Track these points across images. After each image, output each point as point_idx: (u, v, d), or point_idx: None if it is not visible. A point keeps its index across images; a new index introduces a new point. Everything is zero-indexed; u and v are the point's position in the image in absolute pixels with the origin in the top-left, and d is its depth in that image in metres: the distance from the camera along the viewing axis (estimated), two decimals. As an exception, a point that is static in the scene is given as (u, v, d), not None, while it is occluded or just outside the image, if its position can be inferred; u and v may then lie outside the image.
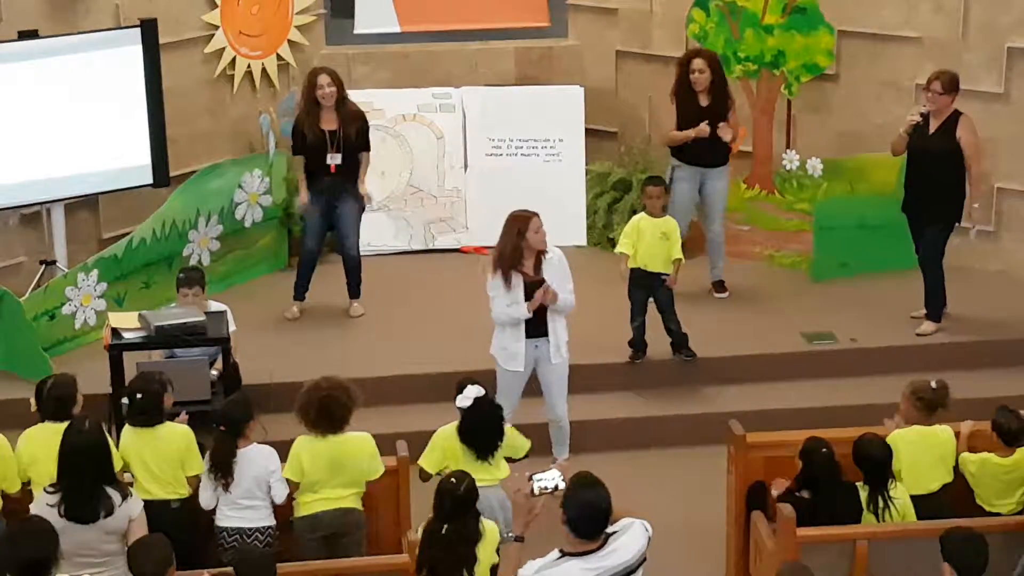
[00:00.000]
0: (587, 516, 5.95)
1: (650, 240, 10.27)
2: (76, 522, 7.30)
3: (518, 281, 9.16)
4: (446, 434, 8.29)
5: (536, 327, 9.26)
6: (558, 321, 9.29)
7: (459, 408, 8.25)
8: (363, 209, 11.23)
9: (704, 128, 11.06)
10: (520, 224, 9.14)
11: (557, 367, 9.37)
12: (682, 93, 11.19)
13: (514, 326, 9.23)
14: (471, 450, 8.19)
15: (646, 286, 10.35)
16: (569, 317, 9.40)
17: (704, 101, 11.15)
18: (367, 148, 11.13)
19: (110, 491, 7.39)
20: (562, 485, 6.23)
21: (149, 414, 7.96)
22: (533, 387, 9.47)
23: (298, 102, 11.33)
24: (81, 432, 7.48)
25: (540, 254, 9.19)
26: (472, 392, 8.21)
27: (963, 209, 10.63)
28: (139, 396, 7.97)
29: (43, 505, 7.38)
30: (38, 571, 6.54)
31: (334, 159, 10.96)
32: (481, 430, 8.20)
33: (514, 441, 8.46)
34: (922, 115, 10.50)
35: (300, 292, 11.33)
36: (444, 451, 8.27)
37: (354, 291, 11.35)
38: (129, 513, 7.44)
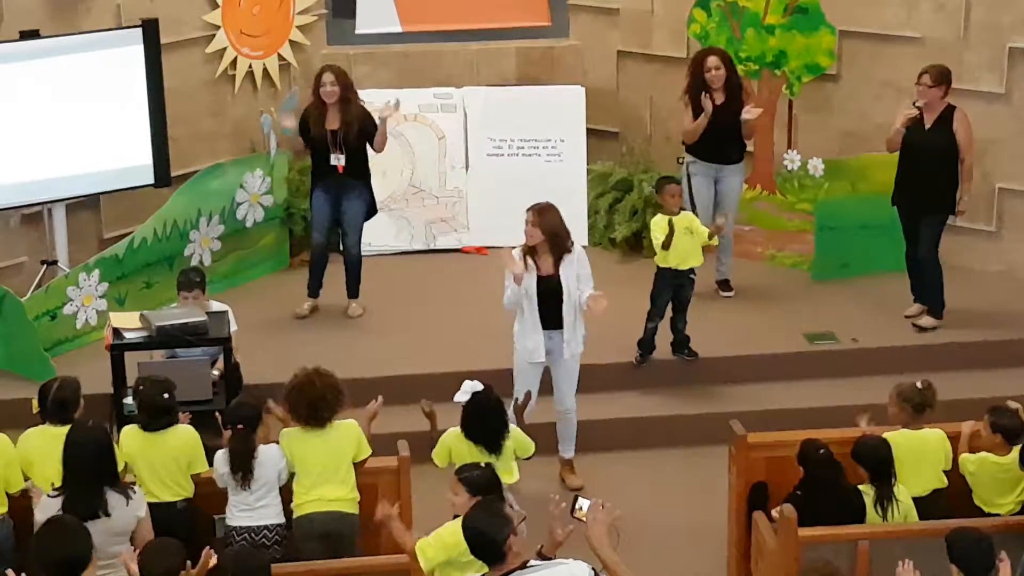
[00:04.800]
0: (473, 540, 5.89)
1: (679, 239, 10.22)
2: (80, 521, 7.29)
3: (532, 270, 9.16)
4: (454, 434, 8.28)
5: (551, 319, 9.26)
6: (575, 316, 9.28)
7: (458, 402, 8.23)
8: (370, 212, 11.22)
9: (707, 107, 11.02)
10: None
11: (567, 360, 9.38)
12: (696, 91, 11.21)
13: (531, 316, 9.21)
14: (478, 446, 8.17)
15: (675, 286, 10.31)
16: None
17: (719, 99, 11.17)
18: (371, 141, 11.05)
19: (114, 492, 7.38)
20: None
21: (161, 418, 7.98)
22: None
23: (300, 102, 11.33)
24: (85, 432, 7.48)
25: (559, 252, 9.16)
26: (470, 387, 8.20)
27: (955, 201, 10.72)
28: (145, 397, 8.00)
29: (49, 508, 7.36)
30: (74, 569, 6.57)
31: (339, 160, 10.93)
32: (482, 421, 8.15)
33: (520, 439, 8.41)
34: (918, 108, 10.53)
35: (313, 288, 11.30)
36: (450, 449, 8.27)
37: (353, 291, 11.33)
38: (136, 513, 7.44)
